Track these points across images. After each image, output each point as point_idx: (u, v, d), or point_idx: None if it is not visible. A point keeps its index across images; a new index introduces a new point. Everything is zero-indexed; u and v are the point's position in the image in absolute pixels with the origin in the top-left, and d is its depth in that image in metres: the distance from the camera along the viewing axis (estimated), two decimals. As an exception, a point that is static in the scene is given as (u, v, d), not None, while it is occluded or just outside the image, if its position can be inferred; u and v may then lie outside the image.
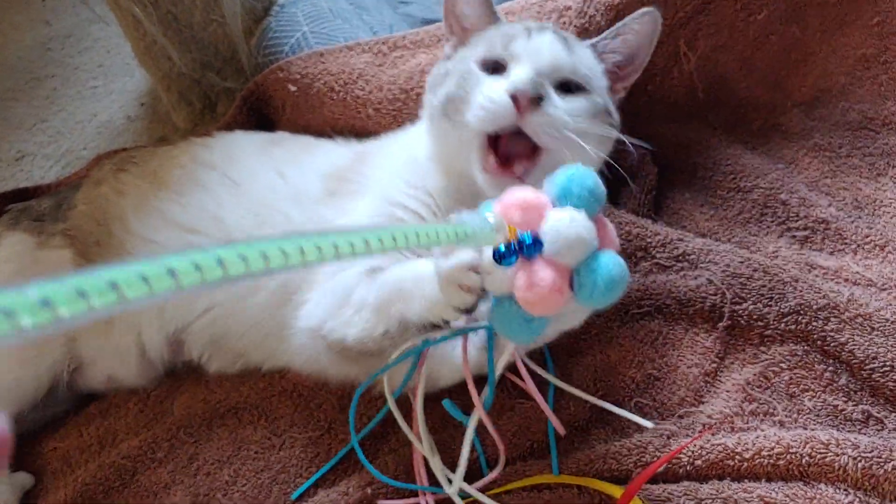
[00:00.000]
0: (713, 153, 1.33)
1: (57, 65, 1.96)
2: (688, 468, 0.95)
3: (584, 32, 1.28)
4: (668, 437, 0.99)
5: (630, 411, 1.02)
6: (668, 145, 1.36)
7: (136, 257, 1.17)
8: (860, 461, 0.90)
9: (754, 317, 1.08)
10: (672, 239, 1.18)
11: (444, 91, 0.99)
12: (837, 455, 0.91)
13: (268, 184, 1.17)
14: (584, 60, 1.00)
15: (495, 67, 0.97)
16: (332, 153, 1.22)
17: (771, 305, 1.08)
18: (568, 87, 0.96)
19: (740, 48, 1.41)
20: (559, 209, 0.75)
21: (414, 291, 0.84)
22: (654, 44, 1.03)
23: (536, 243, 0.72)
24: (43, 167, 1.70)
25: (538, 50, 0.95)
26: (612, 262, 0.74)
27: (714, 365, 1.07)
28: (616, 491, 0.92)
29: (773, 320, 1.07)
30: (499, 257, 0.72)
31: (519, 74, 0.92)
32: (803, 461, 0.92)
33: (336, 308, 0.96)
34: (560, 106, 0.92)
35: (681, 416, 1.02)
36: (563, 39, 0.99)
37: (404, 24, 1.64)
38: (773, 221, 1.24)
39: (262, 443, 1.12)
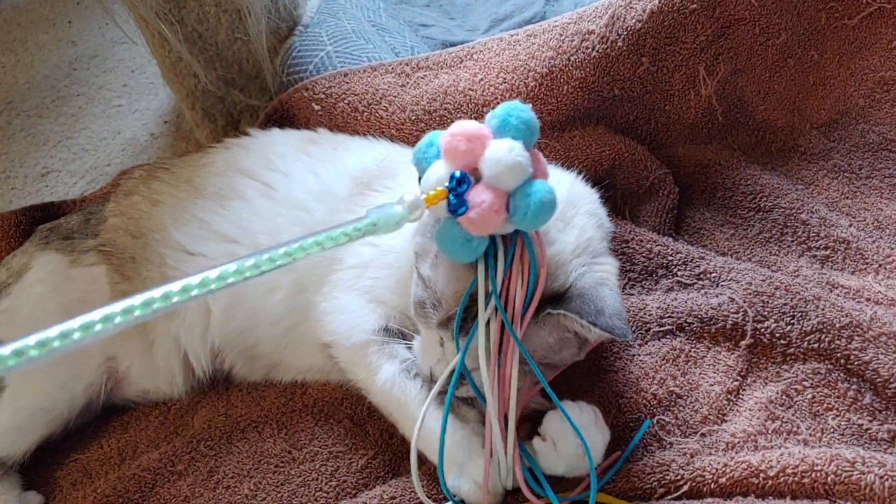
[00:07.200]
0: (733, 174, 1.34)
1: (82, 84, 2.00)
2: (712, 486, 0.95)
3: (605, 58, 1.30)
4: (691, 456, 0.98)
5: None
6: (689, 166, 1.38)
7: (178, 272, 1.19)
8: (887, 480, 0.89)
9: (777, 335, 1.08)
10: (693, 257, 1.18)
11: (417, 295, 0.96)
12: (863, 473, 0.90)
13: (302, 184, 1.20)
14: None
15: None
16: (364, 155, 1.24)
17: (793, 324, 1.08)
18: None
19: (759, 72, 1.42)
20: (500, 140, 0.83)
21: None
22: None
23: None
24: (67, 183, 1.73)
25: None
26: (543, 189, 0.82)
27: (736, 383, 1.07)
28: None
29: (796, 338, 1.07)
30: (452, 208, 0.81)
31: None
32: (828, 479, 0.91)
33: None
34: None
35: (703, 435, 1.02)
36: None
37: (425, 46, 1.67)
38: (793, 241, 1.24)
39: (283, 456, 1.12)
